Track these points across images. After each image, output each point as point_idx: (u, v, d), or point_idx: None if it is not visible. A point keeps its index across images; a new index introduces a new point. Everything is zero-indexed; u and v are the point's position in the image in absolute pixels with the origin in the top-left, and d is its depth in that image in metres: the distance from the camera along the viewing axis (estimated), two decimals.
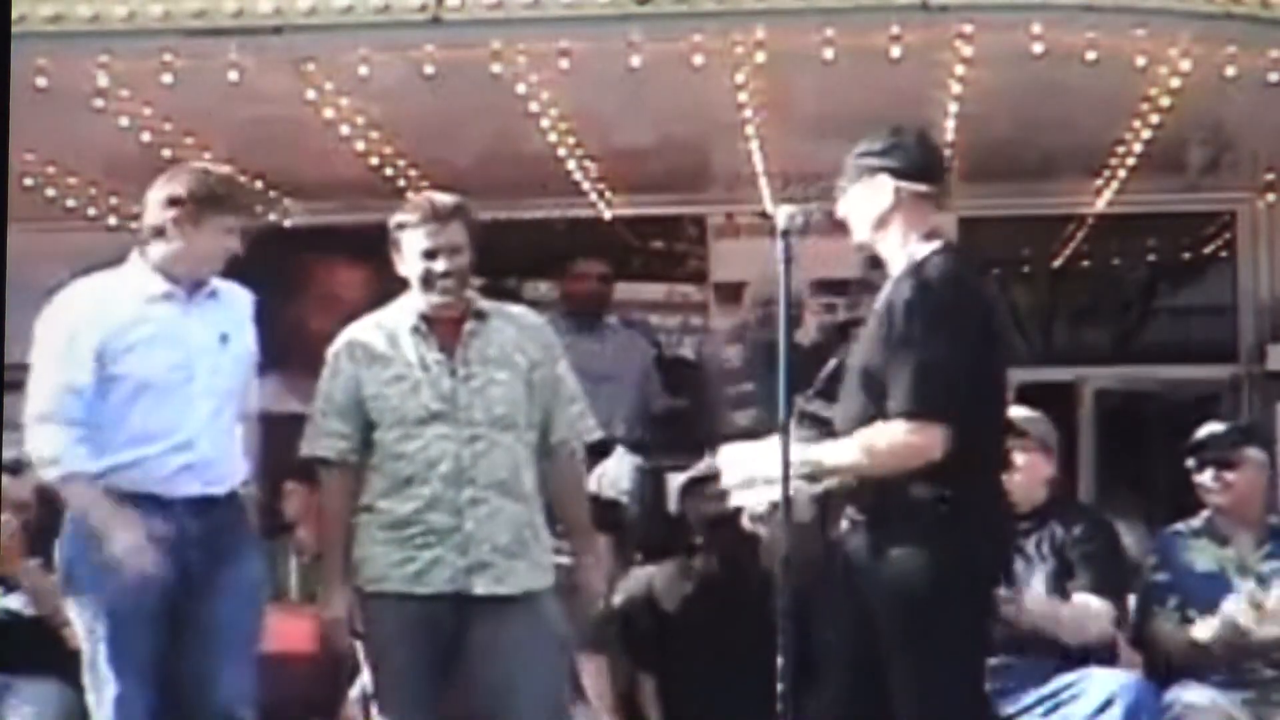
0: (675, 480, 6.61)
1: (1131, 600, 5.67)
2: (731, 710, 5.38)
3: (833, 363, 4.35)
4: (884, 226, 4.32)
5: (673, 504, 6.64)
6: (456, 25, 6.29)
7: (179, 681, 4.53)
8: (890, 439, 4.11)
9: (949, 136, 7.01)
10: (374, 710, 4.68)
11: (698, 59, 6.39)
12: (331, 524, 4.72)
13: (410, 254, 4.66)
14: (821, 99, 6.88)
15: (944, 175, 4.37)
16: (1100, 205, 8.54)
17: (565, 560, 4.85)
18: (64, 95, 6.42)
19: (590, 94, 6.90)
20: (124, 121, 6.95)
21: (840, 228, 4.52)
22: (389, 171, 7.87)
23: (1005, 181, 7.91)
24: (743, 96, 6.87)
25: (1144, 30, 6.28)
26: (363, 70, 6.47)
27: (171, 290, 4.63)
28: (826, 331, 8.58)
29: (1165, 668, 5.48)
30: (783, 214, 4.29)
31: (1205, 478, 5.64)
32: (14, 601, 5.89)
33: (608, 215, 8.75)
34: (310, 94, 6.83)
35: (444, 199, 4.75)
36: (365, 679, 4.74)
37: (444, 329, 4.67)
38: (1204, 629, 5.39)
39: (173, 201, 4.62)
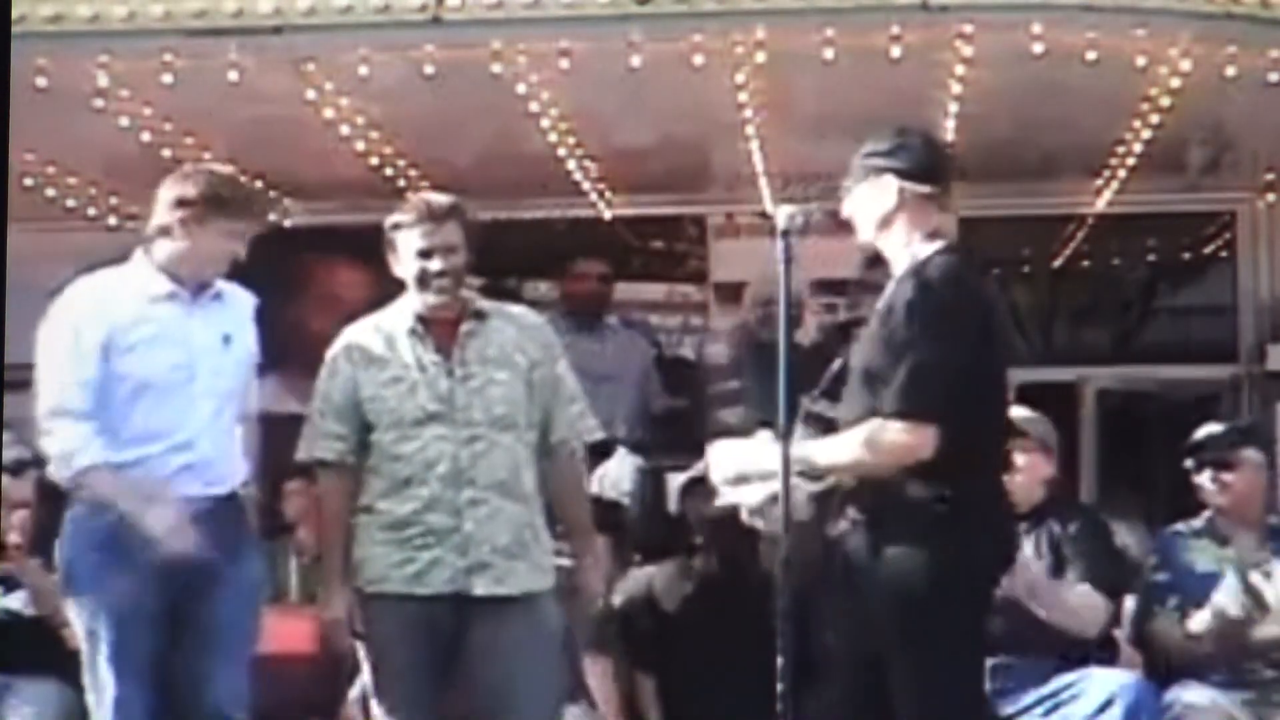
0: (675, 480, 6.62)
1: (1130, 601, 5.68)
2: (731, 710, 5.38)
3: (838, 363, 4.35)
4: (888, 226, 4.32)
5: (673, 504, 6.64)
6: (456, 25, 6.29)
7: (175, 681, 4.53)
8: (882, 437, 4.12)
9: (949, 136, 7.00)
10: (374, 710, 4.68)
11: (698, 59, 6.39)
12: (330, 525, 4.72)
13: (405, 254, 4.66)
14: (821, 99, 6.88)
15: (949, 176, 4.37)
16: (1100, 205, 8.54)
17: (566, 562, 4.85)
18: (64, 95, 6.42)
19: (590, 94, 6.90)
20: (124, 121, 6.96)
21: (840, 228, 4.52)
22: (389, 171, 7.87)
23: (1005, 181, 7.91)
24: (743, 96, 6.87)
25: (1144, 30, 6.29)
26: (363, 70, 6.48)
27: (175, 290, 4.63)
28: (826, 331, 8.58)
29: (1165, 668, 5.48)
30: (783, 214, 4.29)
31: (1204, 479, 5.64)
32: (14, 601, 5.90)
33: (608, 215, 8.75)
34: (310, 94, 6.83)
35: (439, 199, 4.75)
36: (365, 679, 4.74)
37: (441, 330, 4.67)
38: (1198, 621, 5.39)
39: (181, 202, 4.63)
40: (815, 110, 7.07)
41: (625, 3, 6.27)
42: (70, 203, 8.29)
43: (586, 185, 8.32)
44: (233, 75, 6.40)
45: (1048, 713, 5.23)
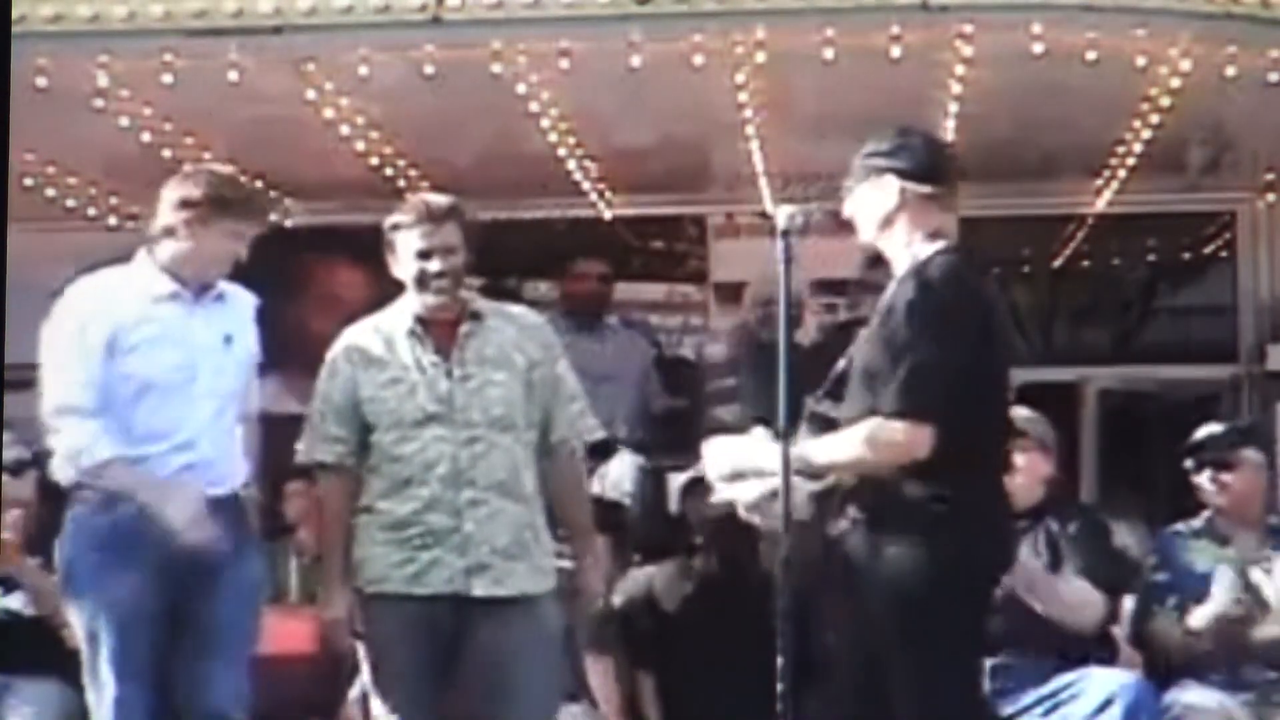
0: (675, 480, 6.62)
1: (1130, 601, 5.68)
2: (731, 710, 5.38)
3: (841, 364, 4.36)
4: (889, 226, 4.32)
5: (673, 504, 6.65)
6: (456, 25, 6.29)
7: (176, 682, 4.53)
8: (879, 436, 4.12)
9: (949, 136, 7.00)
10: (374, 710, 4.68)
11: (698, 59, 6.39)
12: (330, 526, 4.72)
13: (404, 255, 4.66)
14: (821, 99, 6.89)
15: (950, 177, 4.37)
16: (1100, 205, 8.54)
17: (567, 564, 4.85)
18: (64, 95, 6.42)
19: (590, 94, 6.90)
20: (124, 121, 6.96)
21: (840, 228, 4.52)
22: (389, 171, 7.87)
23: (1005, 181, 7.90)
24: (743, 96, 6.87)
25: (1144, 30, 6.29)
26: (363, 70, 6.48)
27: (178, 290, 4.63)
28: (826, 331, 8.58)
29: (1165, 667, 5.48)
30: (783, 214, 4.29)
31: (1203, 479, 5.65)
32: (14, 601, 5.89)
33: (608, 215, 8.75)
34: (310, 94, 6.83)
35: (438, 200, 4.75)
36: (365, 679, 4.74)
37: (440, 331, 4.66)
38: (1198, 617, 5.39)
39: (185, 203, 4.63)
40: (815, 110, 7.07)
41: (625, 3, 6.27)
42: (70, 203, 8.29)
43: (586, 185, 8.32)
44: (233, 75, 6.40)
45: (1047, 713, 5.23)
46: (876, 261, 4.70)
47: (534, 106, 6.98)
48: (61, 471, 4.61)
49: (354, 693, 5.55)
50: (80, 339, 4.53)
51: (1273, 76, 6.49)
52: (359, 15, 6.28)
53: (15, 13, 5.24)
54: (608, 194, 8.58)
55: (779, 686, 4.18)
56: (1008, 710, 5.25)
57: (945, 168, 4.39)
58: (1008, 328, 4.63)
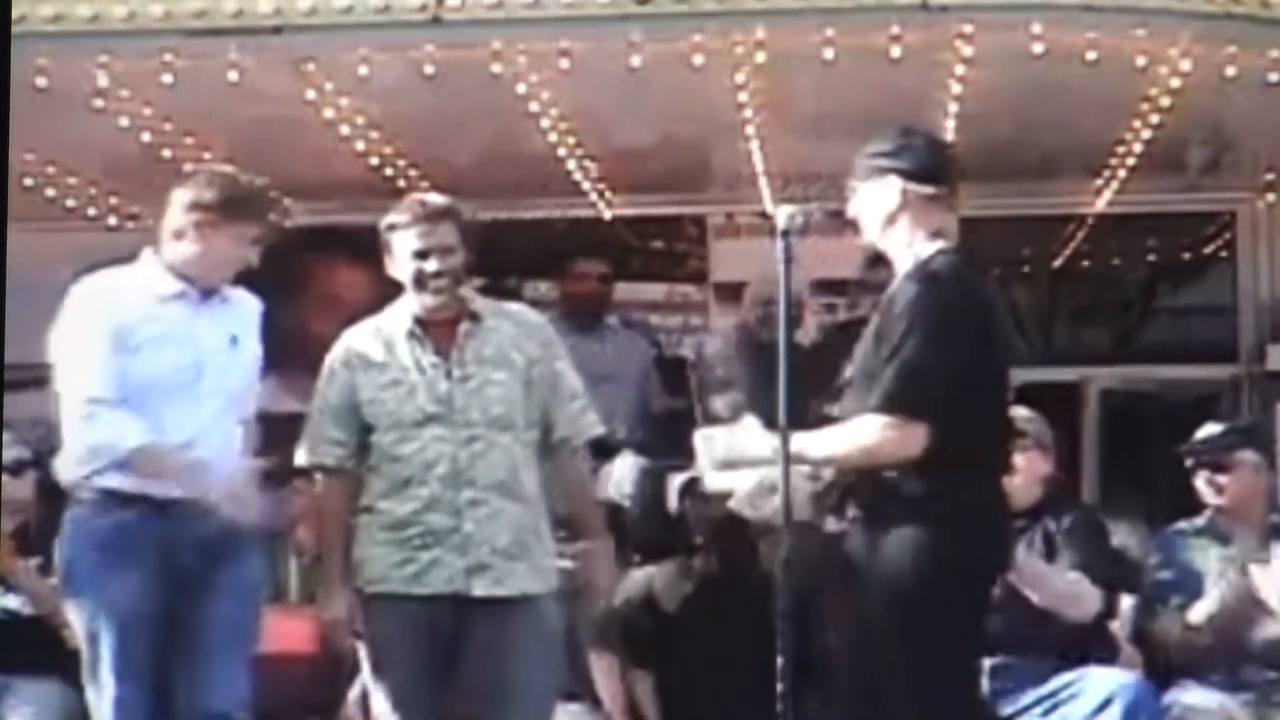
0: (675, 480, 6.62)
1: (1128, 600, 5.68)
2: (731, 710, 5.38)
3: (849, 371, 4.36)
4: (891, 226, 4.33)
5: (672, 504, 6.64)
6: (456, 25, 6.29)
7: (176, 682, 4.53)
8: (870, 433, 4.14)
9: (949, 136, 7.00)
10: (374, 710, 4.68)
11: (698, 59, 6.39)
12: (330, 527, 4.71)
13: (401, 255, 4.65)
14: (821, 99, 6.89)
15: (953, 177, 4.38)
16: (1100, 205, 8.54)
17: (568, 564, 4.85)
18: (64, 95, 6.42)
19: (590, 94, 6.90)
20: (124, 121, 6.96)
21: (840, 228, 4.52)
22: (389, 171, 7.87)
23: (1005, 181, 7.90)
24: (743, 96, 6.87)
25: (1144, 30, 6.29)
26: (363, 70, 6.48)
27: (184, 290, 4.62)
28: (826, 331, 8.58)
29: (1165, 667, 5.48)
30: (783, 214, 4.30)
31: (1200, 480, 5.65)
32: (14, 601, 5.89)
33: (608, 215, 8.76)
34: (310, 94, 6.83)
35: (434, 200, 4.75)
36: (365, 679, 4.74)
37: (439, 331, 4.66)
38: (1198, 612, 5.39)
39: (197, 205, 4.61)
40: (815, 110, 7.07)
41: (625, 3, 6.27)
42: (70, 203, 8.29)
43: (586, 185, 8.32)
44: (233, 75, 6.40)
45: (1046, 712, 5.24)
46: (877, 261, 4.70)
47: (534, 106, 6.98)
48: (67, 471, 4.58)
49: (354, 693, 5.55)
50: (95, 334, 4.51)
51: (1273, 76, 6.49)
52: (359, 15, 6.28)
53: (15, 13, 5.23)
54: (608, 194, 8.58)
55: (779, 686, 4.18)
56: (1007, 710, 5.25)
57: (947, 168, 4.40)
58: (1007, 327, 4.64)
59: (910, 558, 4.09)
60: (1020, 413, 5.27)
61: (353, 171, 7.74)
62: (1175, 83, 6.64)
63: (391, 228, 4.68)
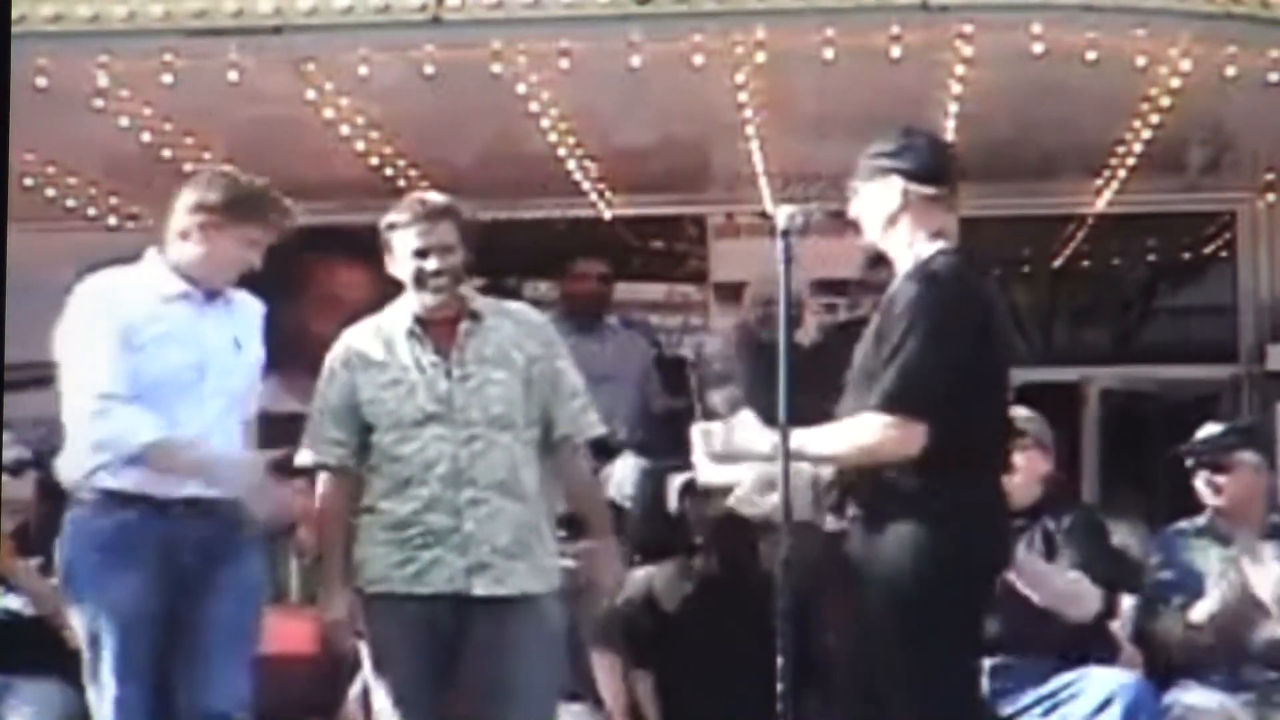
0: (675, 481, 6.62)
1: (1128, 600, 5.68)
2: (731, 710, 5.38)
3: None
4: (893, 227, 4.34)
5: (673, 504, 6.65)
6: (456, 25, 6.29)
7: (177, 683, 4.52)
8: (869, 432, 4.14)
9: (949, 136, 7.00)
10: (375, 710, 4.68)
11: (698, 59, 6.39)
12: (331, 527, 4.71)
13: (401, 254, 4.65)
14: (821, 99, 6.89)
15: (954, 178, 4.38)
16: (1100, 205, 8.54)
17: (569, 563, 4.85)
18: (64, 95, 6.42)
19: (590, 94, 6.90)
20: (124, 121, 6.96)
21: (839, 228, 4.52)
22: (389, 171, 7.87)
23: (1005, 181, 7.91)
24: (743, 96, 6.87)
25: (1144, 30, 6.29)
26: (363, 70, 6.48)
27: (188, 290, 4.61)
28: (826, 331, 8.59)
29: (1166, 667, 5.48)
30: (783, 214, 4.30)
31: (1199, 480, 5.65)
32: (14, 601, 5.89)
33: (608, 215, 8.76)
34: (310, 94, 6.84)
35: (434, 198, 4.74)
36: (366, 678, 4.74)
37: (439, 330, 4.66)
38: (1199, 611, 5.38)
39: (202, 207, 4.61)
40: (815, 110, 7.08)
41: (625, 3, 6.27)
42: (70, 203, 8.29)
43: (586, 185, 8.33)
44: (233, 75, 6.40)
45: (1047, 713, 5.24)
46: (877, 261, 4.70)
47: (534, 106, 6.99)
48: (72, 469, 4.55)
49: (354, 692, 5.56)
50: (101, 332, 4.49)
51: (1273, 76, 6.49)
52: (359, 15, 6.28)
53: (15, 13, 5.24)
54: (608, 194, 8.59)
55: (779, 686, 4.18)
56: (1007, 710, 5.25)
57: (949, 169, 4.41)
58: (1008, 328, 4.64)
59: (909, 557, 4.10)
60: (1020, 412, 5.27)
61: (353, 171, 7.74)
62: (1175, 83, 6.65)
63: (391, 226, 4.68)
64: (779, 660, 4.18)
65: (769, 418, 4.27)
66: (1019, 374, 4.65)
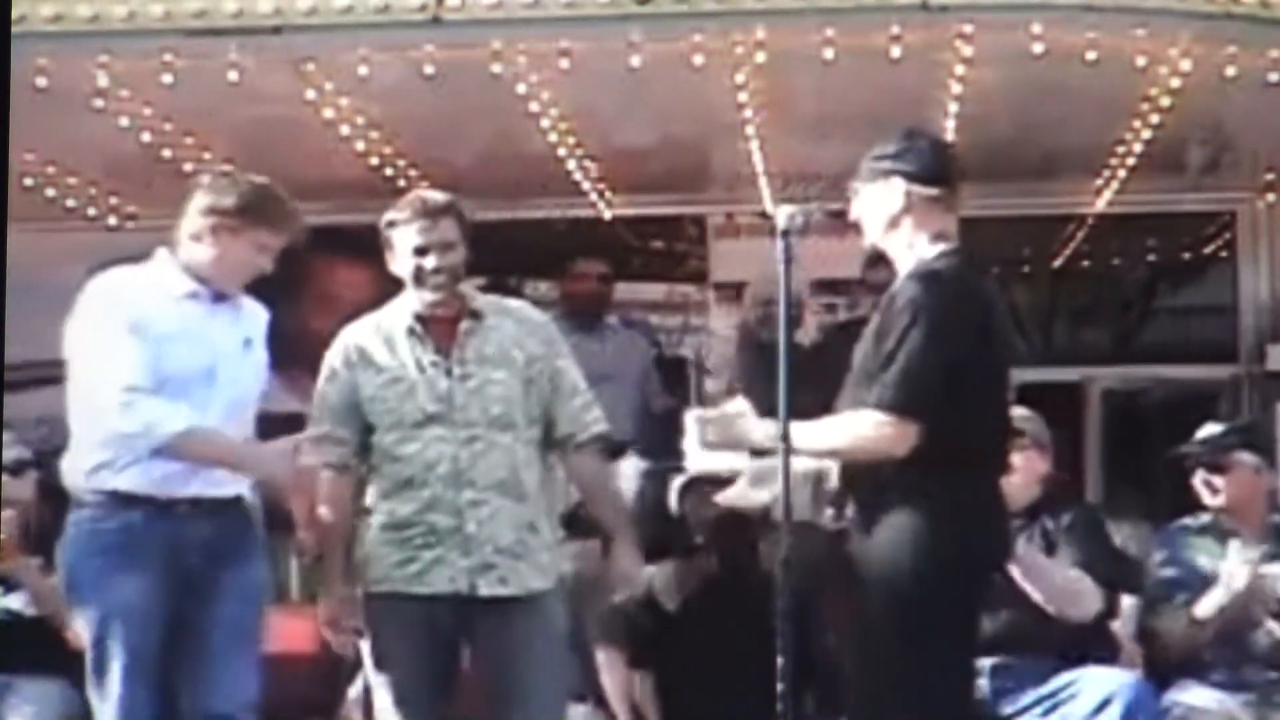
0: (675, 481, 6.62)
1: (1128, 599, 5.68)
2: (731, 710, 5.38)
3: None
4: (895, 228, 4.34)
5: (673, 504, 6.65)
6: (456, 25, 6.29)
7: (182, 685, 4.51)
8: (860, 428, 4.15)
9: (949, 136, 7.00)
10: (376, 710, 4.67)
11: (698, 59, 6.39)
12: (333, 527, 4.70)
13: (402, 251, 4.65)
14: (821, 99, 6.89)
15: (956, 179, 4.39)
16: (1100, 205, 8.54)
17: (569, 566, 4.84)
18: (64, 95, 6.42)
19: (590, 94, 6.90)
20: (124, 121, 6.96)
21: (839, 228, 4.52)
22: (389, 171, 7.87)
23: (1005, 181, 7.91)
24: (743, 96, 6.88)
25: (1144, 30, 6.29)
26: (363, 70, 6.48)
27: (198, 290, 4.61)
28: (826, 331, 8.59)
29: (1167, 666, 5.48)
30: (783, 214, 4.30)
31: (1198, 481, 5.65)
32: (14, 601, 5.89)
33: (608, 215, 8.76)
34: (310, 94, 6.84)
35: (434, 196, 4.74)
36: (367, 678, 4.73)
37: (440, 329, 4.65)
38: (1204, 606, 5.38)
39: (215, 210, 4.60)
40: (815, 110, 7.08)
41: (625, 3, 6.27)
42: (70, 203, 8.29)
43: (586, 185, 8.33)
44: (233, 75, 6.40)
45: (1046, 712, 5.23)
46: (877, 261, 4.70)
47: (534, 106, 6.99)
48: (84, 463, 4.52)
49: (354, 692, 5.56)
50: (118, 327, 4.46)
51: (1273, 76, 6.49)
52: (359, 15, 6.28)
53: (15, 13, 5.24)
54: (608, 194, 8.59)
55: (779, 686, 4.18)
56: (1007, 710, 5.25)
57: (950, 170, 4.41)
58: (1008, 328, 4.64)
59: (907, 555, 4.10)
60: (1017, 412, 5.27)
61: (353, 171, 7.74)
62: (1175, 83, 6.65)
63: (392, 224, 4.67)
64: (779, 660, 4.18)
65: (769, 417, 4.27)
66: (1021, 374, 4.66)
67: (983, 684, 5.17)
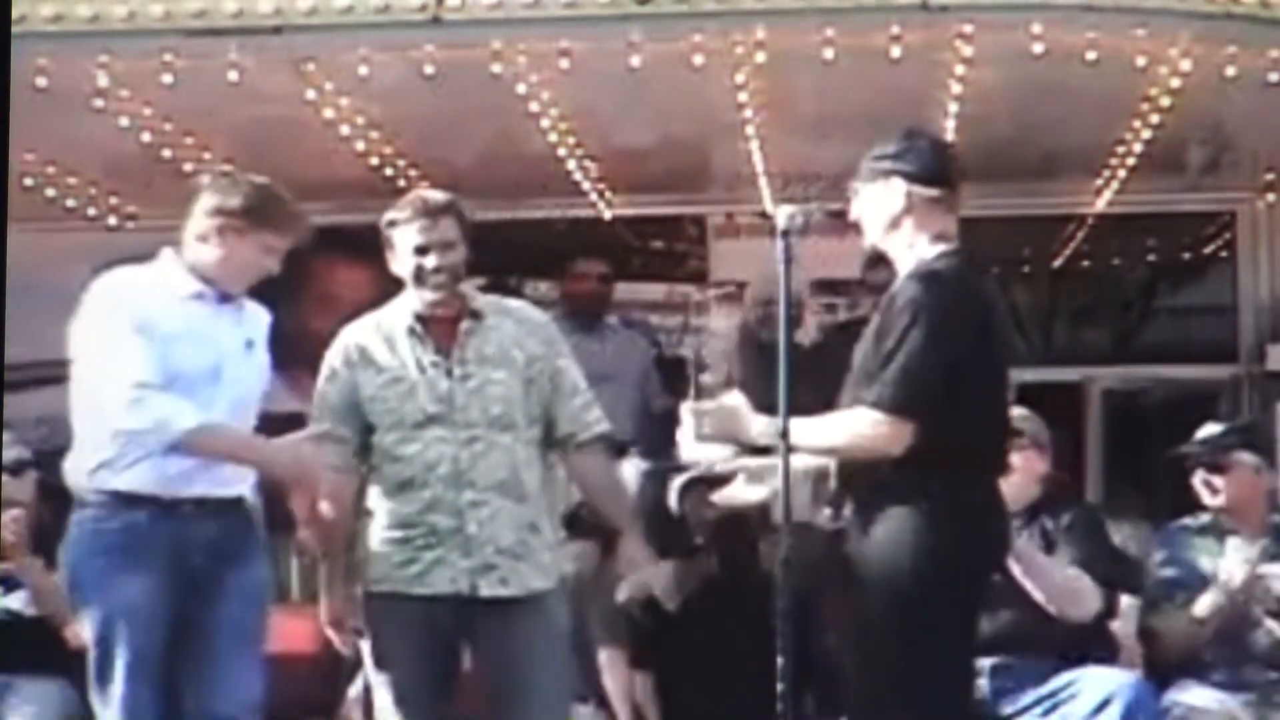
0: (675, 481, 6.62)
1: (1126, 600, 5.68)
2: (731, 710, 5.38)
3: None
4: (895, 228, 4.34)
5: (673, 504, 6.65)
6: (456, 25, 6.30)
7: (186, 687, 4.51)
8: (856, 426, 4.15)
9: (949, 136, 7.00)
10: (376, 710, 4.67)
11: (698, 59, 6.39)
12: (333, 526, 4.70)
13: (402, 251, 4.64)
14: (821, 99, 6.89)
15: (956, 179, 4.39)
16: (1100, 205, 8.54)
17: (570, 567, 4.84)
18: (64, 95, 6.42)
19: (590, 94, 6.90)
20: (124, 121, 6.96)
21: (839, 228, 4.52)
22: (389, 171, 7.87)
23: (1005, 181, 7.91)
24: (743, 96, 6.88)
25: (1144, 30, 6.29)
26: (363, 70, 6.48)
27: (204, 291, 4.61)
28: (826, 331, 8.59)
29: (1166, 665, 5.47)
30: (783, 214, 4.30)
31: (1197, 481, 5.65)
32: (14, 601, 5.89)
33: (608, 215, 8.76)
34: (310, 94, 6.84)
35: (435, 195, 4.74)
36: (368, 678, 4.73)
37: (440, 329, 4.65)
38: (1202, 605, 5.38)
39: (221, 211, 4.60)
40: (815, 110, 7.08)
41: (625, 3, 6.27)
42: (70, 203, 8.29)
43: (586, 185, 8.33)
44: (233, 75, 6.40)
45: (1046, 712, 5.23)
46: (877, 261, 4.70)
47: (534, 106, 6.99)
48: (89, 461, 4.51)
49: (354, 692, 5.55)
50: (125, 325, 4.45)
51: (1273, 76, 6.49)
52: (359, 15, 6.28)
53: (15, 13, 5.24)
54: (608, 194, 8.59)
55: (779, 686, 4.18)
56: (1007, 710, 5.25)
57: (951, 170, 4.41)
58: (1007, 328, 4.64)
59: (906, 555, 4.10)
60: (1016, 412, 5.27)
61: (353, 171, 7.74)
62: (1175, 83, 6.65)
63: (392, 223, 4.67)
64: (779, 660, 4.18)
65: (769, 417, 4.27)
66: (1021, 374, 4.66)
67: (983, 684, 5.17)
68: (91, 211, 8.43)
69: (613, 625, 5.84)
